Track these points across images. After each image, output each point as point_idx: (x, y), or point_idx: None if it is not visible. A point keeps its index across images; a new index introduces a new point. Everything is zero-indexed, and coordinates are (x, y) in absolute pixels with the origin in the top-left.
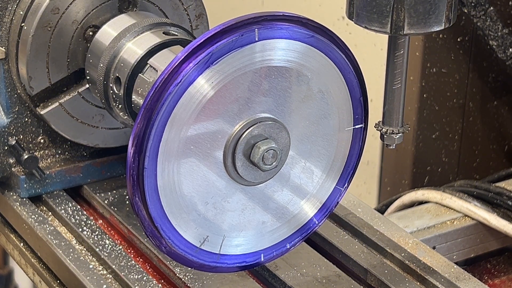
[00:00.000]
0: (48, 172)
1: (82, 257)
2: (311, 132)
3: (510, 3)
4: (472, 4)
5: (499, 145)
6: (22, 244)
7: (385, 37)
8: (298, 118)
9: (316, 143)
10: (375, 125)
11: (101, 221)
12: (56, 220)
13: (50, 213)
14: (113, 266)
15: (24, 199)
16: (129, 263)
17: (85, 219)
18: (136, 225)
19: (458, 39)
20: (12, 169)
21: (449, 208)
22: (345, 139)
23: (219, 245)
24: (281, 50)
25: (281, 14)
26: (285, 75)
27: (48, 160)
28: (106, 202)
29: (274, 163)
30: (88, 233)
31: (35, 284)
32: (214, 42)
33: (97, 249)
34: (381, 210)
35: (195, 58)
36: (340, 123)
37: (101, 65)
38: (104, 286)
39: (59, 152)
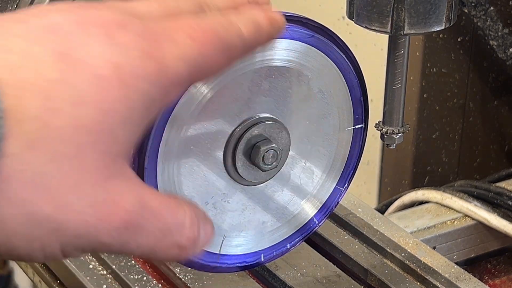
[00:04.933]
0: None
1: (82, 257)
2: (311, 132)
3: (510, 3)
4: (472, 4)
5: (499, 145)
6: None
7: (385, 37)
8: (298, 118)
9: (316, 143)
10: (375, 125)
11: None
12: None
13: None
14: (113, 266)
15: None
16: (129, 263)
17: None
18: None
19: (458, 39)
20: None
21: (449, 208)
22: (345, 139)
23: (219, 245)
24: (281, 50)
25: (281, 14)
26: (286, 75)
27: None
28: None
29: (274, 163)
30: None
31: (35, 284)
32: None
33: None
34: (381, 210)
35: None
36: (340, 123)
37: None
38: (104, 286)
39: None
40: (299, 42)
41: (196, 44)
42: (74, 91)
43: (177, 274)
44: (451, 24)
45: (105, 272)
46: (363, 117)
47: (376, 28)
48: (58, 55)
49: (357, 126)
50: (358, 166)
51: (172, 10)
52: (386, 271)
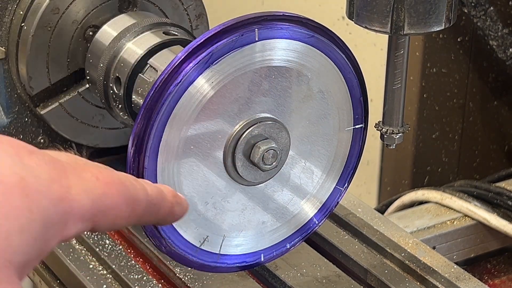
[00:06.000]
0: None
1: (82, 257)
2: (311, 132)
3: (510, 3)
4: (472, 4)
5: (499, 145)
6: None
7: (385, 37)
8: (298, 118)
9: (316, 143)
10: (375, 125)
11: None
12: None
13: None
14: (113, 266)
15: None
16: (129, 263)
17: None
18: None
19: (458, 39)
20: None
21: (449, 208)
22: (345, 139)
23: (219, 245)
24: (281, 50)
25: (281, 14)
26: (285, 75)
27: None
28: None
29: (274, 163)
30: (88, 233)
31: (35, 284)
32: (214, 42)
33: (97, 249)
34: (381, 210)
35: (195, 58)
36: (340, 123)
37: (101, 65)
38: (104, 286)
39: None
40: (299, 42)
41: (100, 184)
42: None
43: (177, 274)
44: (451, 24)
45: (105, 272)
46: (363, 117)
47: (376, 28)
48: None
49: (357, 126)
50: (358, 166)
51: (81, 162)
52: (386, 271)
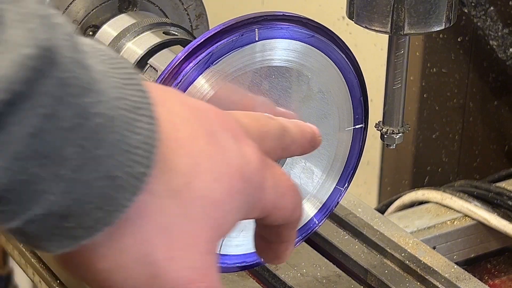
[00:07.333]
0: None
1: None
2: None
3: (510, 3)
4: (472, 4)
5: (499, 145)
6: (22, 244)
7: (385, 37)
8: (298, 118)
9: None
10: (375, 125)
11: None
12: None
13: None
14: None
15: None
16: None
17: None
18: None
19: (458, 39)
20: None
21: (449, 208)
22: (345, 139)
23: (219, 245)
24: (281, 50)
25: (281, 14)
26: (285, 75)
27: None
28: None
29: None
30: None
31: (35, 284)
32: (214, 42)
33: None
34: (381, 210)
35: (195, 58)
36: (340, 123)
37: None
38: None
39: None
40: (299, 42)
41: (284, 185)
42: (216, 167)
43: None
44: (451, 24)
45: None
46: (363, 117)
47: (376, 28)
48: (209, 134)
49: (357, 126)
50: (358, 166)
51: (262, 128)
52: (386, 271)
